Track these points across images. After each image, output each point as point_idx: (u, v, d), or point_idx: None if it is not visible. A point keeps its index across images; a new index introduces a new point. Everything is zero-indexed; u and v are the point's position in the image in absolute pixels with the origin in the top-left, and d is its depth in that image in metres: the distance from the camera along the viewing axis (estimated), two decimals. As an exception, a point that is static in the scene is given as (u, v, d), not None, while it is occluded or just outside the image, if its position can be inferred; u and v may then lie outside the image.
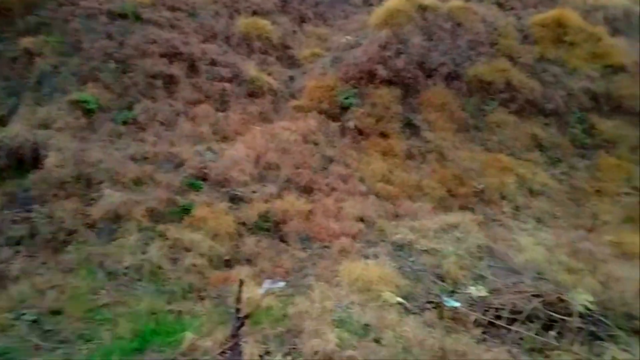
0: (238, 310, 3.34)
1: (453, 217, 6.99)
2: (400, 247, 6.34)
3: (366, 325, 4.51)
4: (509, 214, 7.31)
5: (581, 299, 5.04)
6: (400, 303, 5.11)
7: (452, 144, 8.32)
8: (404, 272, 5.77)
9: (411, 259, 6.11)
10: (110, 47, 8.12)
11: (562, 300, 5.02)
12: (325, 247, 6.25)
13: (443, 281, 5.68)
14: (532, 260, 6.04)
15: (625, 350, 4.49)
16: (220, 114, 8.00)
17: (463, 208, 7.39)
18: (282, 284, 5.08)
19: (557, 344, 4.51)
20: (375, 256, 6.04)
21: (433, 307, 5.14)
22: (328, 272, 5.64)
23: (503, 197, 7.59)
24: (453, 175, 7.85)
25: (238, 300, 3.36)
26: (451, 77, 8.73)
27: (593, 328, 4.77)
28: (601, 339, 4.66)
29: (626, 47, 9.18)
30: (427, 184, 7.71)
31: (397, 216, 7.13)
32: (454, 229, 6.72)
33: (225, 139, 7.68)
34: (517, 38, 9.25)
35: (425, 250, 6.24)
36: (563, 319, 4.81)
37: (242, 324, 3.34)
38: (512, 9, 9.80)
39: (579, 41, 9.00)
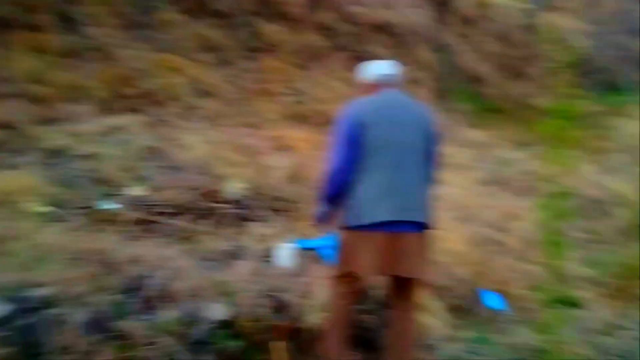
0: None
1: (118, 119, 6.52)
2: (54, 154, 5.64)
3: (-9, 239, 3.80)
4: (179, 115, 7.18)
5: (236, 187, 5.37)
6: (44, 212, 4.52)
7: (119, 42, 7.63)
8: (56, 180, 5.14)
9: (67, 166, 5.49)
10: None
11: (218, 191, 5.22)
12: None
13: (102, 185, 5.27)
14: (197, 158, 6.09)
15: (269, 227, 4.95)
16: None
17: (130, 110, 6.92)
18: None
19: (208, 230, 4.68)
20: (22, 166, 5.23)
21: (86, 213, 4.72)
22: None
23: (173, 98, 7.39)
24: (120, 75, 7.25)
25: None
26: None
27: (245, 212, 5.12)
28: (251, 220, 5.03)
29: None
30: (89, 84, 6.96)
31: (52, 120, 6.27)
32: (119, 132, 6.31)
33: None
34: None
35: (85, 156, 5.69)
36: (218, 207, 5.01)
37: None
38: None
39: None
